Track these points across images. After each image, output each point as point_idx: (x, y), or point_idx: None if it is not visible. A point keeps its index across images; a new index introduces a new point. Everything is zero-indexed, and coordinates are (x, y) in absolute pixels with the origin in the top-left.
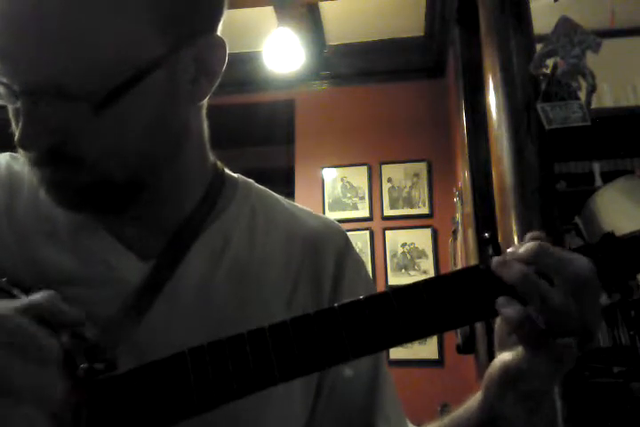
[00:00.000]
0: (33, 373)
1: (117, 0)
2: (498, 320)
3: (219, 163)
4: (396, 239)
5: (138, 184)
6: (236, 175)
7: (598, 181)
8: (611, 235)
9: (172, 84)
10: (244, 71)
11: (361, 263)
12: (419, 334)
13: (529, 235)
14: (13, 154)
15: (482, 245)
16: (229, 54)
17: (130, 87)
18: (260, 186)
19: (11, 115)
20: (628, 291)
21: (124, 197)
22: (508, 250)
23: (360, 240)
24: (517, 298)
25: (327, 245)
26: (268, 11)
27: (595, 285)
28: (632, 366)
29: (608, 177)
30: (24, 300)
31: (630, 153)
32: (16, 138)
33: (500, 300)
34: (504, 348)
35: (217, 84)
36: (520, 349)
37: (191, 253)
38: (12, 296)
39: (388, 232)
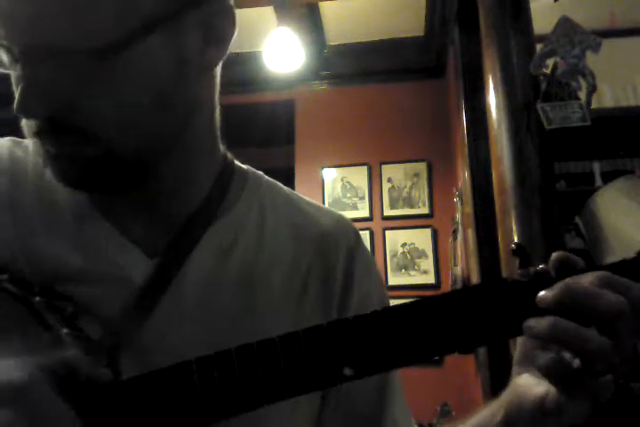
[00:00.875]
0: None
1: None
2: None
3: (228, 154)
4: (396, 239)
5: (144, 162)
6: (245, 167)
7: (598, 181)
8: None
9: (177, 50)
10: (243, 71)
11: (371, 261)
12: (439, 352)
13: (554, 256)
14: (16, 139)
15: (510, 255)
16: (229, 54)
17: (131, 43)
18: (269, 179)
19: (13, 82)
20: None
21: (130, 176)
22: (539, 295)
23: None
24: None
25: (338, 243)
26: (268, 11)
27: (630, 315)
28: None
29: (608, 177)
30: (48, 360)
31: (630, 153)
32: (15, 103)
33: (530, 347)
34: (524, 365)
35: (227, 53)
36: (553, 388)
37: (198, 250)
38: (13, 295)
39: (388, 232)
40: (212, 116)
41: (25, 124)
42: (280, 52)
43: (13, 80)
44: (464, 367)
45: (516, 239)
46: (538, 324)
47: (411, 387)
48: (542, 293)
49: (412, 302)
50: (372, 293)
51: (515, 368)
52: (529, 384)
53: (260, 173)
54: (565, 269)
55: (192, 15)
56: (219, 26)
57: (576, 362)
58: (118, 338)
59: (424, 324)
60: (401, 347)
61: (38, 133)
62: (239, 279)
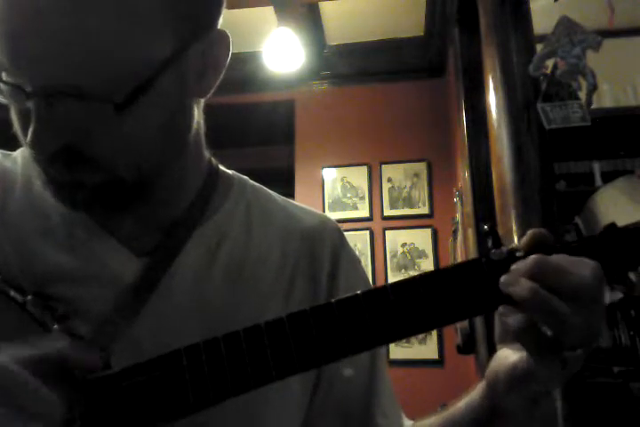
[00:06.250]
0: None
1: (134, 3)
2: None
3: (213, 160)
4: (395, 239)
5: (144, 183)
6: (231, 172)
7: (598, 181)
8: (613, 226)
9: (181, 82)
10: (244, 71)
11: (356, 258)
12: (417, 329)
13: (529, 233)
14: (4, 151)
15: (481, 237)
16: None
17: (148, 87)
18: (255, 183)
19: (14, 114)
20: (630, 284)
21: (130, 196)
22: (513, 266)
23: (360, 240)
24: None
25: (323, 242)
26: (268, 11)
27: (599, 290)
28: (632, 366)
29: (608, 177)
30: (33, 351)
31: (630, 153)
32: (28, 139)
33: (501, 309)
34: (505, 342)
35: (221, 76)
36: (525, 356)
37: (186, 249)
38: (6, 295)
39: (387, 232)
40: (198, 128)
41: (33, 154)
42: (280, 52)
43: (15, 112)
44: (464, 368)
45: (516, 239)
46: (518, 283)
47: (411, 387)
48: (514, 266)
49: (390, 284)
50: (357, 288)
51: (497, 347)
52: (505, 355)
53: (245, 177)
54: (535, 247)
55: (193, 47)
56: (216, 53)
57: (547, 330)
58: (110, 335)
59: (403, 304)
60: (382, 326)
61: (48, 164)
62: (227, 277)
